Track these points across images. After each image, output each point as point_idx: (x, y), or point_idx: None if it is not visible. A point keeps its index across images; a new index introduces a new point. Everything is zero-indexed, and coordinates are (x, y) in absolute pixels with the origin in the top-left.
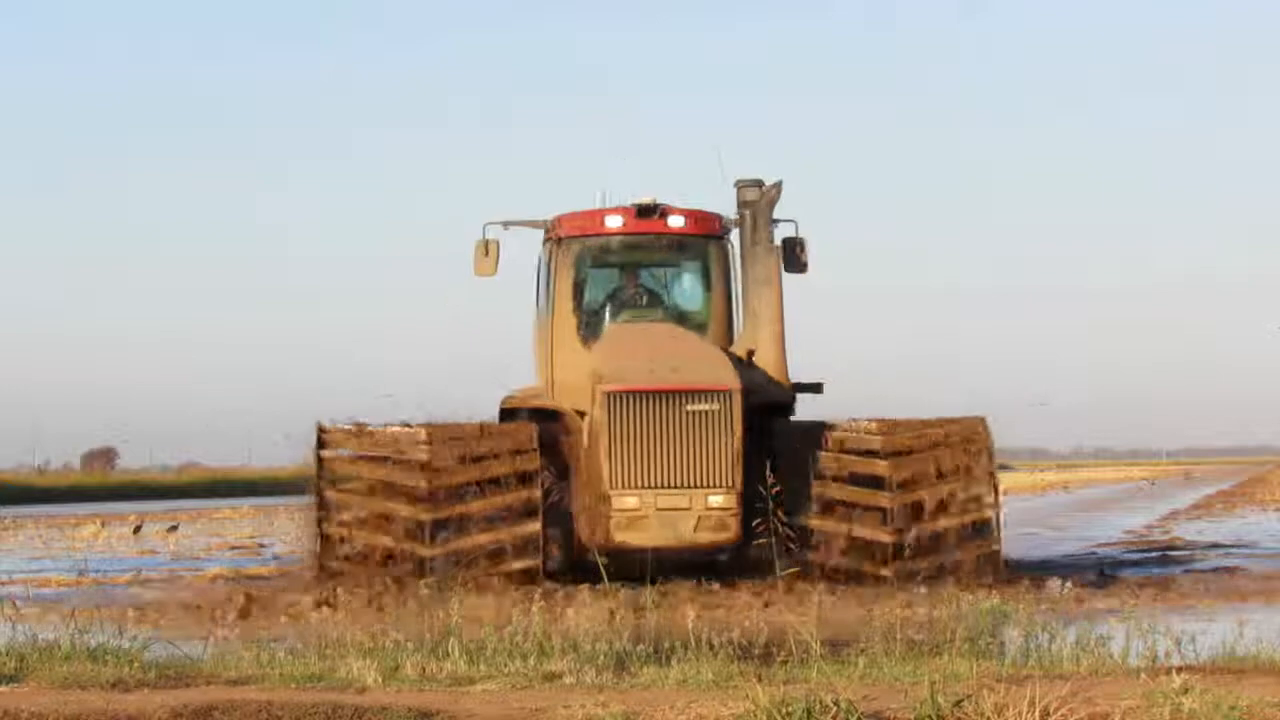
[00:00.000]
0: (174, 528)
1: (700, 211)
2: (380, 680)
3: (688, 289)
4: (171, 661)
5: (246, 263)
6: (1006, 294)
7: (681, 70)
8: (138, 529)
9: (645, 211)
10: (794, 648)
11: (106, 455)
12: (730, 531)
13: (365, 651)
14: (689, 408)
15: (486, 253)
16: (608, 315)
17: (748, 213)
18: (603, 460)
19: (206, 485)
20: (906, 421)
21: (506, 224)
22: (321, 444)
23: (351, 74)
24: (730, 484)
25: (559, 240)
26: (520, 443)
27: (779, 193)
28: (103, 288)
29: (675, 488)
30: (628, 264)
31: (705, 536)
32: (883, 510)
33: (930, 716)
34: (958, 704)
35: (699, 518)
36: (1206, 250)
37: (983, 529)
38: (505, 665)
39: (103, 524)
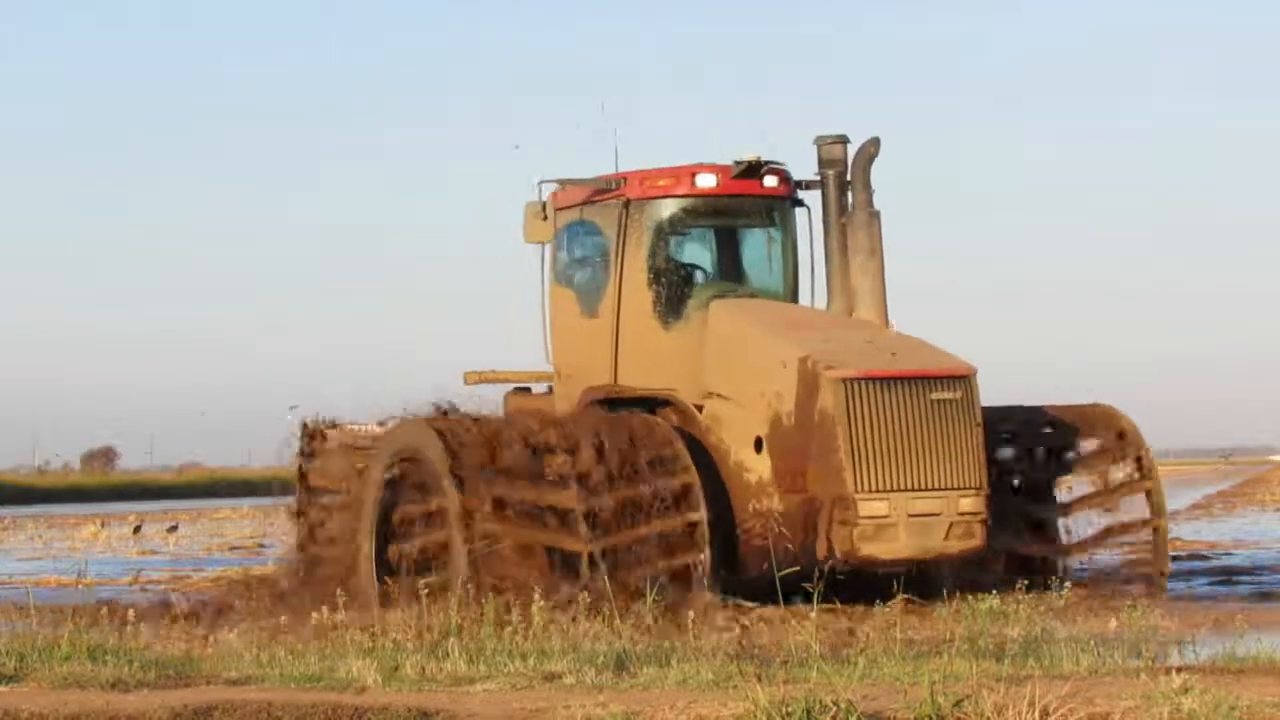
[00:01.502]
0: (174, 528)
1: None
2: (380, 680)
3: (765, 259)
4: (171, 661)
5: (245, 262)
6: (1005, 292)
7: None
8: (138, 529)
9: (750, 171)
10: (793, 648)
11: (106, 455)
12: (977, 539)
13: (365, 651)
14: (934, 396)
15: (544, 215)
16: (686, 290)
17: (831, 174)
18: (843, 459)
19: (206, 485)
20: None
21: (564, 182)
22: (449, 446)
23: (351, 72)
24: (979, 484)
25: (629, 202)
26: (662, 445)
27: (877, 150)
28: (103, 288)
29: (927, 490)
30: (709, 230)
31: (955, 546)
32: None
33: (930, 716)
34: (957, 704)
35: (950, 524)
36: (1208, 250)
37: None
38: (505, 665)
39: (102, 524)
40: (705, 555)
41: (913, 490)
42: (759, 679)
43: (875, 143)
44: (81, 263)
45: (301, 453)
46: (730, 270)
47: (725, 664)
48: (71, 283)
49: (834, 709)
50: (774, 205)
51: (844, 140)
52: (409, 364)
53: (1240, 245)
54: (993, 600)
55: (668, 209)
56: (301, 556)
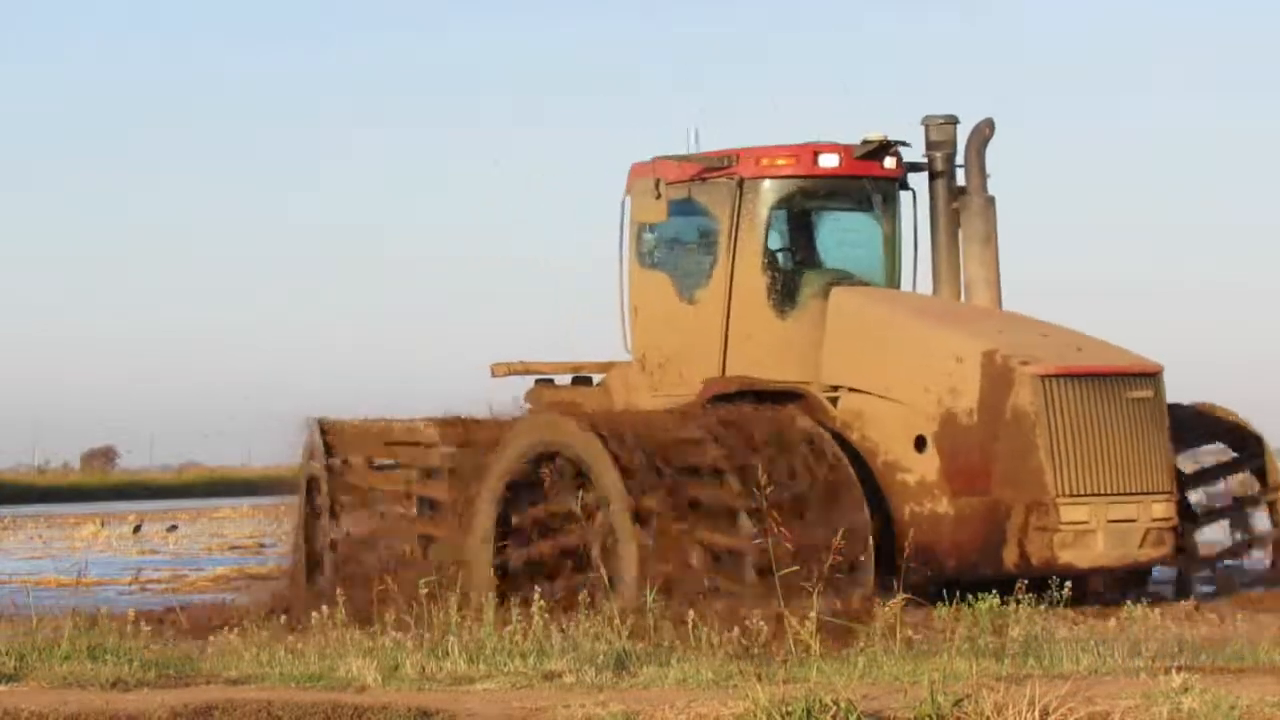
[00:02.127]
0: (174, 527)
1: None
2: (380, 680)
3: (876, 243)
4: (171, 661)
5: (245, 262)
6: (1004, 292)
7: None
8: (138, 529)
9: (875, 153)
10: (793, 647)
11: (106, 455)
12: (1167, 547)
13: (365, 651)
14: (1129, 394)
15: (658, 194)
16: (798, 275)
17: (939, 156)
18: (1042, 461)
19: (206, 485)
20: None
21: (680, 159)
22: (608, 442)
23: (352, 72)
24: (1170, 490)
25: (742, 182)
26: (814, 444)
27: (992, 131)
28: (103, 288)
29: (1124, 494)
30: (824, 212)
31: (1148, 553)
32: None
33: (930, 716)
34: (957, 703)
35: (1145, 531)
36: (1207, 249)
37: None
38: (505, 665)
39: (103, 523)
40: (869, 559)
41: (1111, 495)
42: (759, 678)
43: (989, 124)
44: (81, 263)
45: (328, 452)
46: (840, 255)
47: (725, 663)
48: (71, 283)
49: (834, 709)
50: (887, 188)
51: (954, 121)
52: (409, 364)
53: (1240, 245)
54: (993, 600)
55: (786, 189)
56: (334, 559)
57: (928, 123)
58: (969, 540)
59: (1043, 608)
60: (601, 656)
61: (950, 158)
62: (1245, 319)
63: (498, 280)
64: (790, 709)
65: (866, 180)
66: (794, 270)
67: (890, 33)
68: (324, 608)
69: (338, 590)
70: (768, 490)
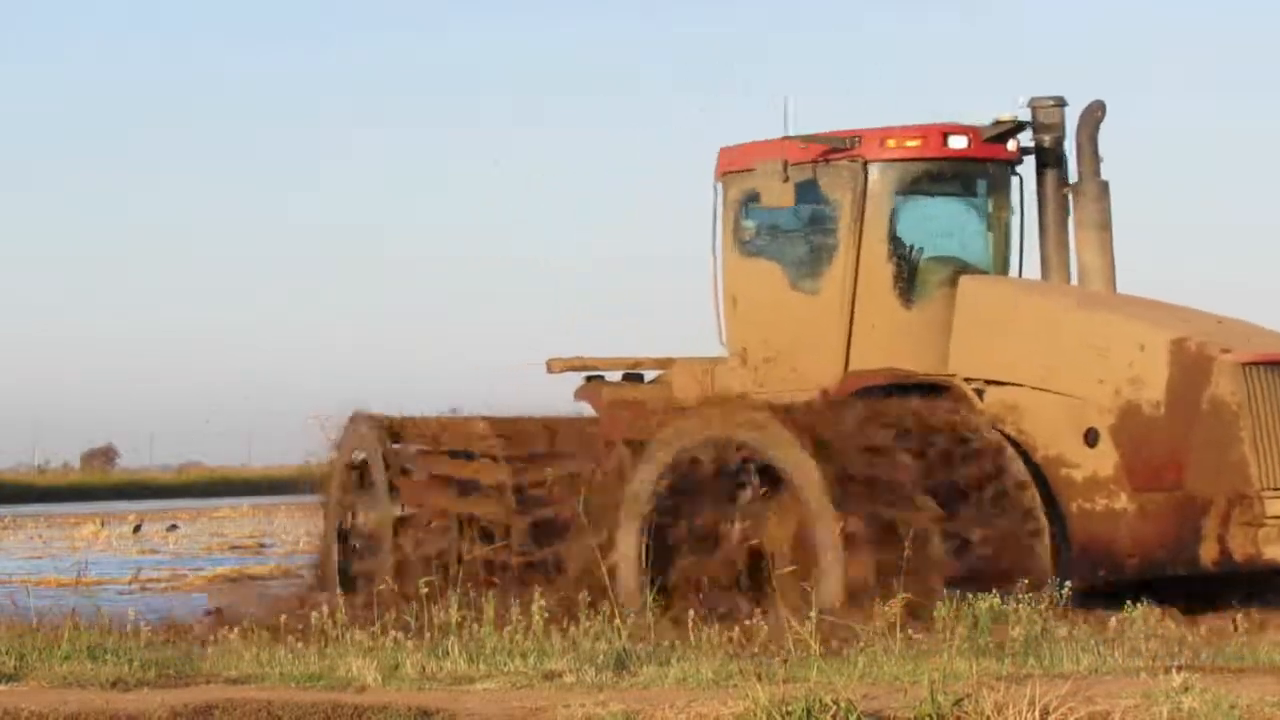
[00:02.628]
0: (174, 527)
1: None
2: (380, 679)
3: (992, 229)
4: (171, 661)
5: (245, 262)
6: None
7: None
8: (138, 528)
9: (1005, 135)
10: (793, 647)
11: (106, 454)
12: None
13: (365, 650)
14: None
15: (785, 177)
16: (920, 263)
17: (1048, 139)
18: (1246, 453)
19: (206, 485)
20: None
21: (808, 139)
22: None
23: (352, 72)
24: None
25: (866, 164)
26: (988, 445)
27: (1104, 113)
28: (103, 288)
29: None
30: (946, 197)
31: None
32: None
33: (930, 716)
34: (957, 703)
35: None
36: (1208, 250)
37: None
38: (505, 664)
39: (103, 523)
40: (1048, 568)
41: None
42: (759, 678)
43: (1101, 106)
44: (81, 263)
45: (385, 452)
46: (955, 241)
47: (725, 663)
48: (71, 283)
49: (834, 708)
50: (1004, 172)
51: (1062, 103)
52: (409, 363)
53: (1240, 245)
54: (993, 600)
55: (913, 172)
56: (391, 565)
57: (1035, 105)
58: (1156, 537)
59: (1043, 608)
60: (601, 656)
61: (1060, 141)
62: (1245, 319)
63: (498, 280)
64: (790, 709)
65: (990, 163)
66: (919, 257)
67: (890, 33)
68: (330, 608)
69: (399, 592)
70: (953, 500)
